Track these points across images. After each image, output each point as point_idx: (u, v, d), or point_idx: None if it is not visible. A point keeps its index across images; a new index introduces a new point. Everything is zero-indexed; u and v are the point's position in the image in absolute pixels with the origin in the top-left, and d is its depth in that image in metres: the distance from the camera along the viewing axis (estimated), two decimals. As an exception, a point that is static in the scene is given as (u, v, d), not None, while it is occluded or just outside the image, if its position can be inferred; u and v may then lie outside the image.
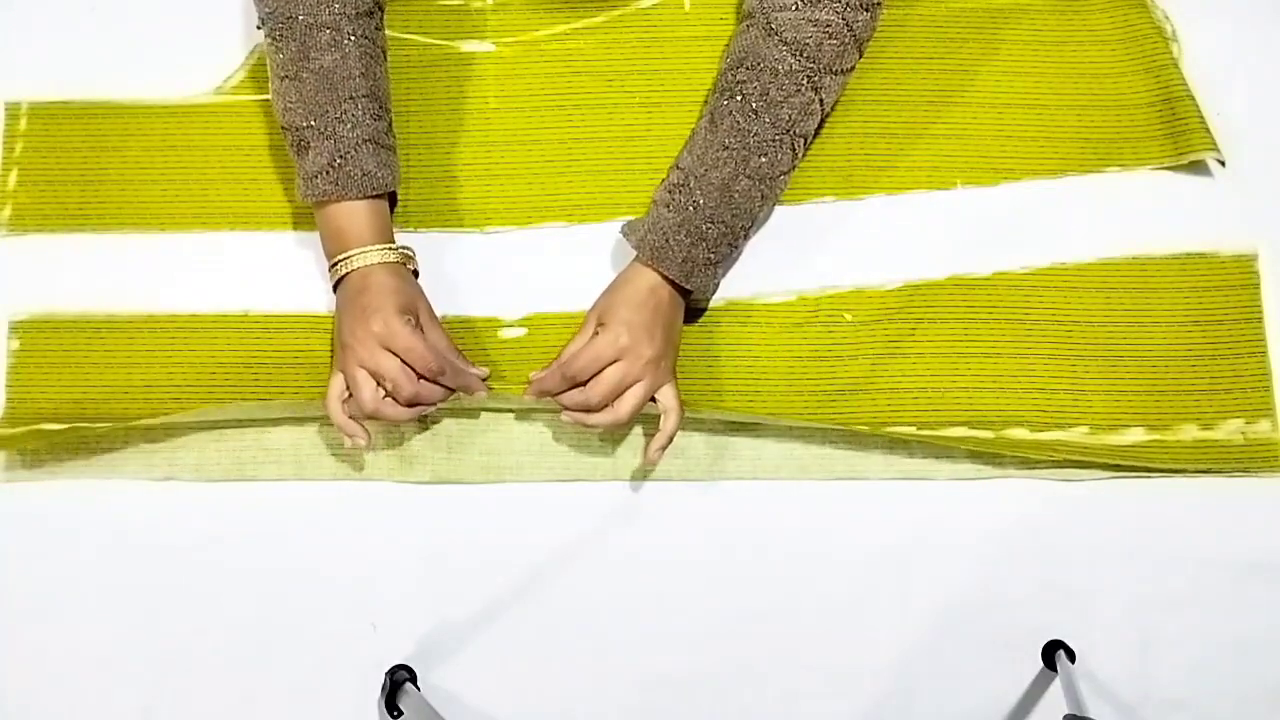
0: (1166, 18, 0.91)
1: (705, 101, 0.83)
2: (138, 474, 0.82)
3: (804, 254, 0.86)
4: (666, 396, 0.77)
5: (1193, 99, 0.88)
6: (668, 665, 0.81)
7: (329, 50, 0.77)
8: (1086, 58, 0.90)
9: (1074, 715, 0.71)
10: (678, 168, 0.80)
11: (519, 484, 0.82)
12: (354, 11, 0.78)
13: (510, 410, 0.83)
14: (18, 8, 0.89)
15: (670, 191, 0.79)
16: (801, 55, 0.77)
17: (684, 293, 0.79)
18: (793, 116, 0.78)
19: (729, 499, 0.83)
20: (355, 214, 0.78)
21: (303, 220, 0.86)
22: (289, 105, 0.78)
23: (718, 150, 0.78)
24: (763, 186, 0.79)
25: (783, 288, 0.86)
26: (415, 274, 0.80)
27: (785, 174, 0.80)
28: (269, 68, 0.79)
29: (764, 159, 0.78)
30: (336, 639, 0.80)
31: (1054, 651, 0.80)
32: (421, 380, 0.75)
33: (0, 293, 0.84)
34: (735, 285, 0.85)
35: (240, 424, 0.82)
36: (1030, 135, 0.88)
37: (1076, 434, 0.84)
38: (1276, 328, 0.86)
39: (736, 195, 0.78)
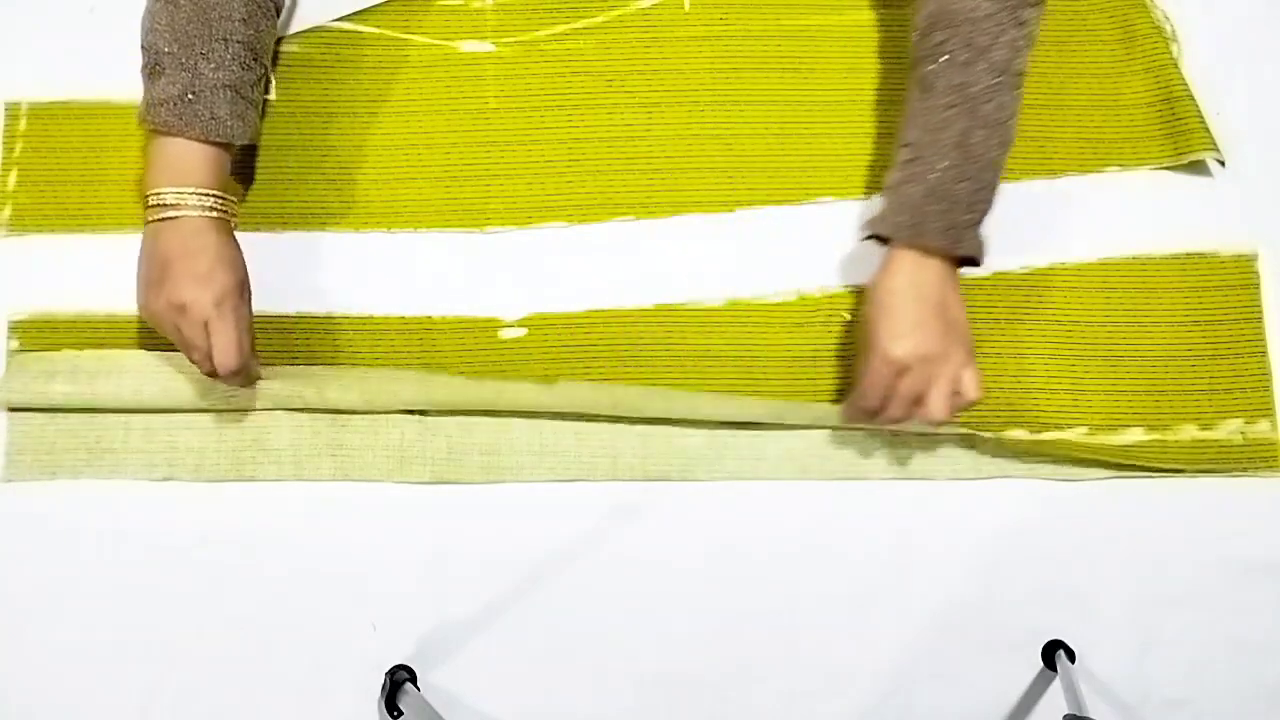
0: (1166, 18, 0.91)
1: (912, 78, 0.79)
2: (138, 474, 0.82)
3: (804, 254, 0.86)
4: (964, 381, 0.75)
5: (1193, 99, 0.88)
6: (668, 665, 0.81)
7: None
8: (1086, 58, 0.90)
9: (1074, 715, 0.71)
10: (904, 145, 0.78)
11: (519, 484, 0.82)
12: None
13: (513, 414, 0.83)
14: (18, 8, 0.89)
15: (904, 169, 0.77)
16: None
17: (958, 262, 0.77)
18: (1006, 56, 0.76)
19: (729, 499, 0.83)
20: (193, 155, 0.75)
21: (302, 220, 0.86)
22: (156, 26, 0.75)
23: (942, 112, 0.76)
24: (998, 133, 0.76)
25: (783, 288, 0.86)
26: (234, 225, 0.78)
27: (1013, 117, 0.77)
28: None
29: (990, 105, 0.76)
30: (336, 639, 0.80)
31: (1054, 651, 0.80)
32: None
33: (0, 293, 0.84)
34: (735, 285, 0.85)
35: (240, 423, 0.82)
36: (1030, 135, 0.88)
37: (1076, 434, 0.84)
38: (1276, 328, 0.86)
39: (975, 148, 0.76)
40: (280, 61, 0.87)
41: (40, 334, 0.83)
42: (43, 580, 0.80)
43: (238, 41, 0.76)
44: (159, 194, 0.74)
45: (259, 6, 0.78)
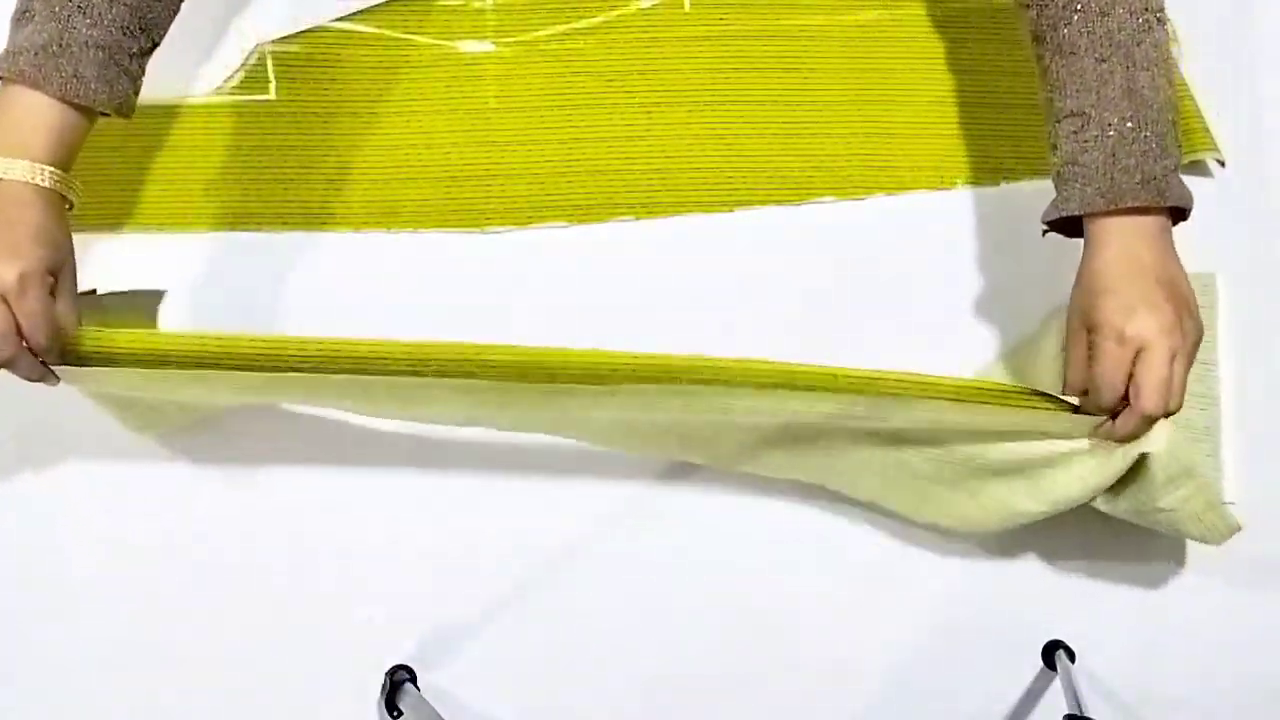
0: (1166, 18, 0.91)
1: (1045, 49, 0.74)
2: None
3: (804, 254, 0.86)
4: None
5: (1193, 99, 0.88)
6: (668, 665, 0.81)
7: None
8: (1086, 58, 0.90)
9: (1074, 715, 0.71)
10: (1065, 116, 0.72)
11: (519, 483, 0.82)
12: None
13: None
14: (18, 8, 0.88)
15: (1074, 140, 0.72)
16: None
17: (1171, 215, 0.72)
18: None
19: (729, 498, 0.83)
20: (41, 118, 0.66)
21: (303, 220, 0.86)
22: None
23: (1096, 68, 0.71)
24: (1162, 71, 0.72)
25: (780, 288, 0.86)
26: (71, 206, 0.70)
27: (1169, 55, 0.73)
28: None
29: (1143, 45, 0.71)
30: (336, 639, 0.80)
31: (1054, 651, 0.80)
32: (24, 346, 0.65)
33: (0, 293, 0.84)
34: (735, 285, 0.84)
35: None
36: (1030, 135, 0.88)
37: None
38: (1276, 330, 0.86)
39: (1144, 92, 0.71)
40: (280, 61, 0.87)
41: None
42: (42, 580, 0.80)
43: (124, 4, 0.68)
44: None
45: None
